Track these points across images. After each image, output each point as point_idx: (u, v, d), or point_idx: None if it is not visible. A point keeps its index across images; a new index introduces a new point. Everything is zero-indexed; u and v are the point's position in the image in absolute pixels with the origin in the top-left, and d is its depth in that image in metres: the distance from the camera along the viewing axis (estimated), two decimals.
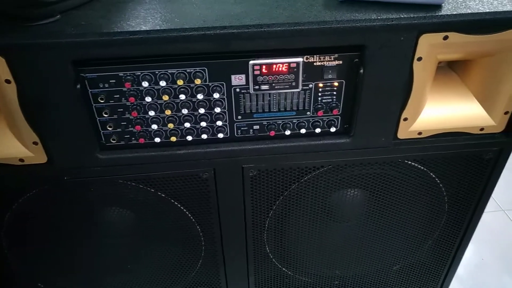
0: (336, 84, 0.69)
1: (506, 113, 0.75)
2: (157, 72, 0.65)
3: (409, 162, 0.80)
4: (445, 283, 1.05)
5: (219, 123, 0.71)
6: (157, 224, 0.88)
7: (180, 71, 0.65)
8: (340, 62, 0.67)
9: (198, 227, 0.88)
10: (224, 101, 0.69)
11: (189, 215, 0.85)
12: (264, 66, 0.66)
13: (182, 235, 0.90)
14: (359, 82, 0.67)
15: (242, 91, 0.68)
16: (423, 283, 1.04)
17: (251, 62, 0.65)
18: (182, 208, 0.84)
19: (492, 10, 0.64)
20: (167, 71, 0.65)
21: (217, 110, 0.69)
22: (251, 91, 0.68)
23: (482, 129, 0.76)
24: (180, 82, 0.65)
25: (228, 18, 0.64)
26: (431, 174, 0.82)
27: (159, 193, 0.80)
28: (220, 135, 0.72)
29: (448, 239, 0.95)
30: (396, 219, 0.90)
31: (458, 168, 0.82)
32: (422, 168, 0.81)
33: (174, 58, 0.64)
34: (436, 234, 0.94)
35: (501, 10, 0.63)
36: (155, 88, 0.66)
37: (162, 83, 0.66)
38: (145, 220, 0.87)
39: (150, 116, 0.69)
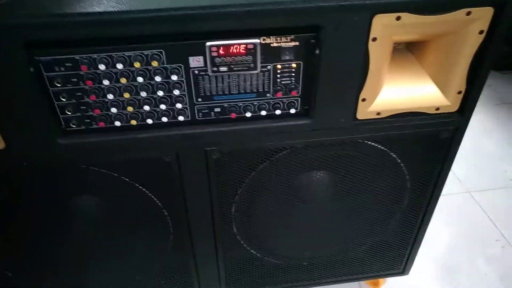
0: (294, 65, 0.70)
1: (459, 92, 0.77)
2: (113, 55, 0.65)
3: (369, 143, 0.82)
4: (409, 260, 1.08)
5: (179, 105, 0.71)
6: (124, 210, 0.88)
7: (137, 53, 0.65)
8: (297, 43, 0.68)
9: (164, 211, 0.88)
10: (183, 83, 0.69)
11: (155, 199, 0.85)
12: (221, 48, 0.66)
13: (150, 220, 0.90)
14: (316, 63, 0.69)
15: (201, 73, 0.69)
16: (389, 261, 1.08)
17: (208, 43, 0.65)
18: (147, 192, 0.84)
19: None
20: (124, 54, 0.65)
21: (176, 92, 0.69)
22: (210, 73, 0.69)
23: (437, 108, 0.79)
24: (137, 65, 0.65)
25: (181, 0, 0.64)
26: (392, 154, 0.84)
27: (122, 178, 0.80)
28: (181, 118, 0.72)
29: (411, 217, 0.98)
30: (360, 199, 0.92)
31: (417, 147, 0.84)
32: (382, 148, 0.83)
33: (131, 40, 0.64)
34: (400, 213, 0.97)
35: None
36: (113, 71, 0.66)
37: (119, 66, 0.65)
38: (112, 207, 0.87)
39: (109, 99, 0.69)
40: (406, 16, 0.67)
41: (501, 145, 1.78)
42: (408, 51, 0.84)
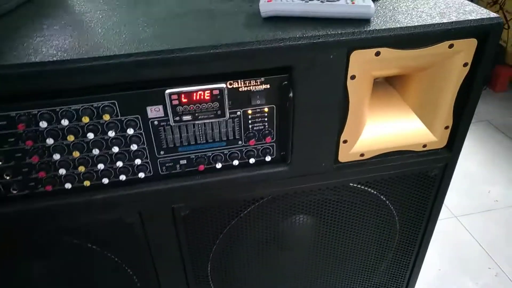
0: (266, 109, 0.63)
1: (446, 128, 0.71)
2: (57, 110, 0.56)
3: (354, 185, 0.75)
4: None
5: (138, 161, 0.62)
6: (89, 276, 0.78)
7: (85, 106, 0.56)
8: (268, 86, 0.61)
9: (133, 275, 0.78)
10: (142, 136, 0.61)
11: (121, 262, 0.75)
12: (182, 95, 0.58)
13: (118, 284, 0.80)
14: (290, 106, 0.61)
15: (162, 123, 0.60)
16: None
17: (167, 91, 0.58)
18: (112, 256, 0.74)
19: (421, 24, 0.60)
20: (69, 108, 0.56)
21: (134, 147, 0.61)
22: (172, 123, 0.60)
23: (424, 145, 0.73)
24: (86, 120, 0.57)
25: (135, 44, 0.56)
26: (379, 195, 0.77)
27: (81, 242, 0.70)
28: (141, 175, 0.64)
29: (402, 258, 0.91)
30: (346, 244, 0.85)
31: (406, 187, 0.78)
32: (368, 190, 0.76)
33: (77, 92, 0.56)
34: (390, 255, 0.90)
35: (430, 23, 0.60)
36: (58, 127, 0.57)
37: (65, 122, 0.56)
38: (77, 274, 0.77)
39: (56, 159, 0.60)
40: (385, 51, 0.61)
41: (483, 165, 1.75)
42: (389, 84, 0.78)
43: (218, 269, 0.80)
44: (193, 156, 0.65)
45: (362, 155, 0.71)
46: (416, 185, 0.78)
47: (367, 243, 0.85)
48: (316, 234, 0.82)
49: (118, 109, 0.58)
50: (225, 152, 0.65)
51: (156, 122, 0.60)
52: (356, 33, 0.58)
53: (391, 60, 0.63)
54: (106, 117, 0.57)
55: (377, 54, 0.61)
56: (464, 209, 1.52)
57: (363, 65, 0.62)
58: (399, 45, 0.61)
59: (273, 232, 0.79)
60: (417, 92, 0.71)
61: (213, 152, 0.65)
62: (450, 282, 1.27)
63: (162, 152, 0.63)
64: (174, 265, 0.76)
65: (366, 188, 0.76)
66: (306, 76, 0.60)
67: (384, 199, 0.80)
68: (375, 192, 0.78)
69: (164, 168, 0.65)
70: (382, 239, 0.86)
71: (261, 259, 0.82)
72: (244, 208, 0.72)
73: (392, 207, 0.81)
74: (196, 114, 0.60)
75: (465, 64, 0.65)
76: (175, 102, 0.59)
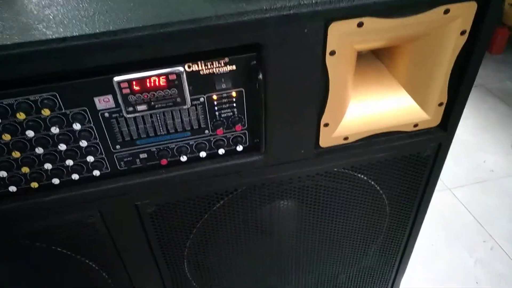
0: (234, 94, 0.55)
1: (440, 104, 0.64)
2: None
3: (339, 170, 0.68)
4: (395, 283, 0.96)
5: (90, 158, 0.55)
6: (59, 278, 0.73)
7: (20, 100, 0.48)
8: (233, 67, 0.52)
9: (104, 274, 0.73)
10: (93, 130, 0.53)
11: (90, 263, 0.70)
12: (134, 83, 0.50)
13: (91, 285, 0.75)
14: (261, 89, 0.53)
15: (114, 115, 0.53)
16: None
17: (115, 79, 0.49)
18: (78, 257, 0.68)
19: None
20: (1, 103, 0.48)
21: (84, 143, 0.53)
22: (125, 114, 0.53)
23: (416, 125, 0.66)
24: (21, 116, 0.49)
25: (72, 26, 0.47)
26: (366, 179, 0.71)
27: (43, 246, 0.64)
28: (96, 173, 0.57)
29: (393, 240, 0.86)
30: (331, 230, 0.79)
31: (396, 169, 0.71)
32: (354, 174, 0.70)
33: (9, 84, 0.48)
34: (380, 238, 0.85)
35: None
36: None
37: None
38: (46, 277, 0.72)
39: None
40: (369, 21, 0.52)
41: (476, 133, 1.68)
42: (375, 57, 0.70)
43: (195, 263, 0.74)
44: (154, 149, 0.57)
45: (346, 138, 0.64)
46: (407, 167, 0.71)
47: (354, 227, 0.80)
48: (301, 221, 0.77)
49: (60, 102, 0.50)
50: (190, 143, 0.58)
51: (107, 114, 0.52)
52: (334, 1, 0.50)
53: (376, 31, 0.54)
54: (46, 112, 0.49)
55: (360, 25, 0.52)
56: (458, 181, 1.46)
57: (344, 38, 0.53)
58: (385, 13, 0.52)
59: (252, 222, 0.73)
60: (407, 65, 0.63)
61: (176, 144, 0.58)
62: (444, 258, 1.23)
63: (118, 147, 0.56)
64: (146, 263, 0.70)
65: (352, 173, 0.70)
66: (278, 54, 0.52)
67: (372, 183, 0.73)
68: (362, 176, 0.71)
69: (122, 163, 0.58)
70: (371, 223, 0.80)
71: (242, 249, 0.77)
72: (217, 201, 0.65)
73: (381, 191, 0.75)
74: (152, 103, 0.53)
75: (463, 32, 0.57)
76: (126, 91, 0.51)
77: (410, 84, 0.64)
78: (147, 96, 0.52)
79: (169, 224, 0.66)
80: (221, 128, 0.57)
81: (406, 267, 0.92)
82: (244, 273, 0.81)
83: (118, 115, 0.53)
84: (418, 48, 0.60)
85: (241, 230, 0.73)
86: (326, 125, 0.61)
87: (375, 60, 0.68)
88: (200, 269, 0.76)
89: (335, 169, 0.67)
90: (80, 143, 0.53)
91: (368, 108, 0.64)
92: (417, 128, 0.66)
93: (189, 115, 0.55)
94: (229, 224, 0.70)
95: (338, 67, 0.56)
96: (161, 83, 0.51)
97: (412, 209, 0.78)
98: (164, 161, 0.58)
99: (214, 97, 0.54)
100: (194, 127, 0.57)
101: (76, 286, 0.75)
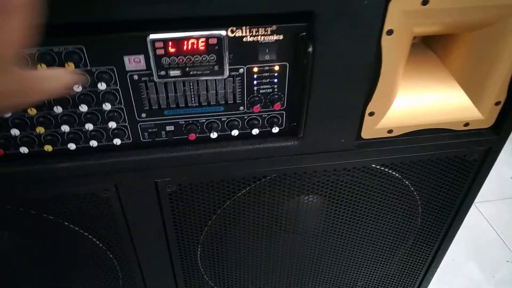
0: (276, 68, 0.50)
1: (497, 103, 0.58)
2: None
3: (376, 167, 0.63)
4: None
5: (112, 124, 0.50)
6: (62, 255, 0.68)
7: (43, 51, 0.44)
8: (281, 37, 0.47)
9: (110, 255, 0.68)
10: (118, 93, 0.48)
11: (96, 241, 0.65)
12: (170, 43, 0.45)
13: (94, 266, 0.70)
14: (308, 65, 0.48)
15: (143, 78, 0.48)
16: None
17: (151, 36, 0.44)
18: (86, 234, 0.63)
19: None
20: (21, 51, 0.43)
21: (108, 106, 0.48)
22: (156, 78, 0.48)
23: (466, 124, 0.60)
24: (42, 67, 0.44)
25: None
26: (404, 180, 0.65)
27: (49, 217, 0.59)
28: (117, 141, 0.51)
29: (422, 248, 0.79)
30: (356, 231, 0.73)
31: (436, 171, 0.65)
32: (391, 173, 0.64)
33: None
34: (409, 244, 0.79)
35: None
36: None
37: None
38: (49, 251, 0.67)
39: (7, 117, 0.47)
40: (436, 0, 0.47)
41: (506, 149, 1.61)
42: (427, 47, 0.64)
43: (209, 253, 0.69)
44: (183, 122, 0.52)
45: (390, 131, 0.59)
46: (449, 170, 0.65)
47: (382, 230, 0.74)
48: (324, 218, 0.71)
49: (86, 57, 0.45)
50: (222, 119, 0.53)
51: (136, 77, 0.47)
52: None
53: (442, 12, 0.48)
54: (70, 66, 0.44)
55: (425, 2, 0.47)
56: (483, 195, 1.39)
57: (405, 17, 0.48)
58: None
59: (276, 215, 0.67)
60: (464, 57, 0.57)
61: (207, 118, 0.52)
62: (464, 274, 1.17)
63: (143, 115, 0.51)
64: (157, 248, 0.65)
65: (389, 171, 0.64)
66: (331, 27, 0.46)
67: (407, 183, 0.67)
68: (396, 175, 0.66)
69: (146, 134, 0.53)
70: (400, 227, 0.74)
71: (261, 244, 0.72)
72: (243, 187, 0.60)
73: (416, 194, 0.69)
74: (187, 69, 0.47)
75: None
76: (160, 52, 0.45)
77: (465, 78, 0.58)
78: (183, 60, 0.46)
79: (188, 207, 0.60)
80: (258, 105, 0.52)
81: (431, 279, 0.86)
82: (258, 271, 0.76)
83: (148, 79, 0.48)
84: (479, 37, 0.54)
85: (263, 222, 0.67)
86: (371, 114, 0.56)
87: (427, 49, 0.63)
88: (213, 260, 0.71)
89: (373, 165, 0.62)
90: (104, 106, 0.48)
91: (417, 100, 0.58)
92: (467, 128, 0.60)
93: (225, 87, 0.50)
94: (252, 214, 0.65)
95: (393, 49, 0.50)
96: (200, 47, 0.46)
97: (448, 217, 0.72)
98: (192, 136, 0.52)
99: (255, 69, 0.49)
100: (229, 102, 0.51)
101: (78, 266, 0.70)
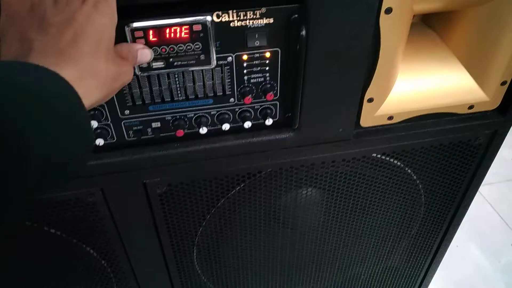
0: (267, 54, 0.46)
1: (503, 83, 0.55)
2: None
3: (377, 156, 0.60)
4: (423, 286, 0.88)
5: (94, 123, 0.46)
6: (51, 262, 0.64)
7: None
8: (270, 20, 0.43)
9: (102, 260, 0.64)
10: None
11: (88, 248, 0.61)
12: (151, 32, 0.41)
13: (86, 272, 0.66)
14: (302, 50, 0.44)
15: None
16: None
17: (131, 25, 0.41)
18: (74, 240, 0.60)
19: None
20: None
21: None
22: (137, 71, 0.44)
23: (471, 106, 0.57)
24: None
25: None
26: (406, 168, 0.62)
27: (35, 225, 0.56)
28: (100, 142, 0.48)
29: (426, 237, 0.77)
30: (356, 223, 0.70)
31: (439, 157, 0.62)
32: (392, 161, 0.61)
33: None
34: (412, 233, 0.76)
35: None
36: None
37: None
38: (37, 262, 0.64)
39: None
40: None
41: None
42: (426, 26, 0.61)
43: (206, 254, 0.66)
44: (169, 118, 0.49)
45: (390, 118, 0.55)
46: (453, 155, 0.62)
47: (383, 221, 0.71)
48: (324, 211, 0.68)
49: None
50: (212, 113, 0.49)
51: None
52: None
53: None
54: None
55: None
56: (485, 178, 1.38)
57: None
58: None
59: (273, 210, 0.64)
60: (467, 35, 0.54)
61: (195, 112, 0.49)
62: (470, 260, 1.15)
63: (127, 112, 0.47)
64: (151, 252, 0.62)
65: (390, 160, 0.61)
66: (326, 8, 0.43)
67: (409, 171, 0.64)
68: (398, 163, 0.63)
69: (130, 132, 0.49)
70: (402, 217, 0.71)
71: (259, 241, 0.69)
72: (237, 184, 0.57)
73: (418, 182, 0.66)
74: (171, 60, 0.44)
75: None
76: (141, 42, 0.42)
77: (468, 58, 0.55)
78: (165, 50, 0.43)
79: (181, 208, 0.57)
80: (249, 96, 0.48)
81: (436, 268, 0.83)
82: (258, 268, 0.73)
83: None
84: (484, 13, 0.50)
85: (260, 219, 0.64)
86: (370, 100, 0.52)
87: (426, 29, 0.59)
88: (210, 260, 0.68)
89: (374, 154, 0.59)
90: None
91: (418, 83, 0.55)
92: (472, 111, 0.57)
93: (213, 78, 0.46)
94: (248, 211, 0.62)
95: (392, 29, 0.47)
96: (183, 35, 0.42)
97: (453, 204, 0.69)
98: (180, 132, 0.49)
99: (245, 57, 0.45)
100: (218, 94, 0.48)
101: (71, 275, 0.67)
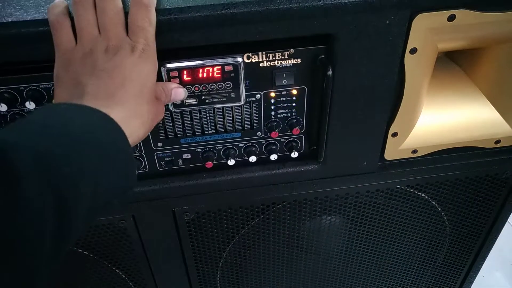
0: (294, 92, 0.48)
1: None
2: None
3: (401, 188, 0.60)
4: None
5: None
6: (80, 283, 0.67)
7: (32, 87, 0.43)
8: (298, 60, 0.45)
9: (130, 282, 0.67)
10: None
11: (117, 270, 0.64)
12: (185, 72, 0.44)
13: None
14: (328, 88, 0.46)
15: None
16: None
17: (166, 66, 0.43)
18: (105, 263, 0.63)
19: None
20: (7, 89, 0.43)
21: None
22: (171, 107, 0.46)
23: (498, 141, 0.57)
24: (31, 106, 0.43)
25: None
26: (431, 201, 0.62)
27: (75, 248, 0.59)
28: None
29: (451, 271, 0.76)
30: (379, 253, 0.70)
31: (465, 191, 0.62)
32: (417, 193, 0.61)
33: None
34: (438, 264, 0.75)
35: None
36: None
37: None
38: (68, 282, 0.66)
39: None
40: (463, 14, 0.44)
41: None
42: (451, 61, 0.61)
43: (229, 277, 0.67)
44: (199, 150, 0.51)
45: (414, 151, 0.56)
46: (480, 189, 0.62)
47: (406, 252, 0.71)
48: (347, 239, 0.68)
49: None
50: (239, 146, 0.51)
51: None
52: None
53: (468, 27, 0.46)
54: None
55: (451, 18, 0.44)
56: None
57: (429, 34, 0.45)
58: (482, 6, 0.44)
59: (296, 237, 0.65)
60: (492, 70, 0.55)
61: (224, 145, 0.51)
62: None
63: (160, 144, 0.50)
64: (177, 275, 0.64)
65: (414, 192, 0.61)
66: (352, 49, 0.44)
67: (434, 203, 0.64)
68: (423, 196, 0.63)
69: (162, 163, 0.51)
70: (425, 248, 0.71)
71: (282, 266, 0.69)
72: (261, 212, 0.58)
73: (443, 214, 0.66)
74: (203, 97, 0.46)
75: None
76: (175, 81, 0.44)
77: (494, 93, 0.55)
78: (198, 88, 0.45)
79: (207, 234, 0.59)
80: (276, 131, 0.50)
81: None
82: None
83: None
84: (508, 50, 0.51)
85: (284, 245, 0.65)
86: (394, 134, 0.53)
87: (451, 64, 0.60)
88: (233, 283, 0.69)
89: (398, 186, 0.59)
90: None
91: (443, 117, 0.56)
92: (498, 145, 0.57)
93: (241, 113, 0.48)
94: (272, 238, 0.63)
95: (417, 68, 0.48)
96: (215, 75, 0.44)
97: (480, 236, 0.69)
98: (209, 164, 0.51)
99: (272, 94, 0.47)
100: (246, 128, 0.50)
101: None
